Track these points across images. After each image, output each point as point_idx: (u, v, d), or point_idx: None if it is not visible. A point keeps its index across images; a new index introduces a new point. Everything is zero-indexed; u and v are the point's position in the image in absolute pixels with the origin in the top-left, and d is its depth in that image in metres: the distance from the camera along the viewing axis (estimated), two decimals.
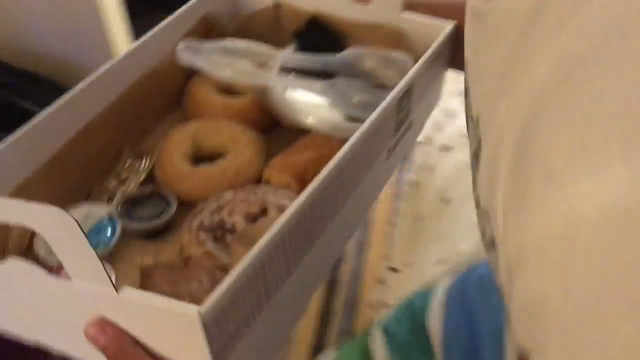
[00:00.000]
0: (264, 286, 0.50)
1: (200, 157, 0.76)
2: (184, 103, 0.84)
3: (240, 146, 0.74)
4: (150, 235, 0.66)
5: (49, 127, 0.64)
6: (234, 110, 0.80)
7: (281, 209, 0.62)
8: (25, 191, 0.63)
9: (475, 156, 0.41)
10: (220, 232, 0.60)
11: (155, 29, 0.77)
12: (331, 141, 0.73)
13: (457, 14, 0.80)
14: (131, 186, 0.71)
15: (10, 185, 0.61)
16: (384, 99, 0.74)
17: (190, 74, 0.84)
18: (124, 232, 0.65)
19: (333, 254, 0.63)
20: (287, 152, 0.72)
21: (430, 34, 0.80)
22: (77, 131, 0.68)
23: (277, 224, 0.50)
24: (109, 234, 0.65)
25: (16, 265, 0.47)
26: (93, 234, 0.64)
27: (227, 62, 0.78)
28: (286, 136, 0.78)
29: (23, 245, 0.63)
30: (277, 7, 0.88)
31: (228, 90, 0.84)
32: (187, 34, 0.82)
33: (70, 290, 0.46)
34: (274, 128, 0.81)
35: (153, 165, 0.74)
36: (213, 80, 0.83)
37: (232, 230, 0.59)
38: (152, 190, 0.70)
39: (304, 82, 0.77)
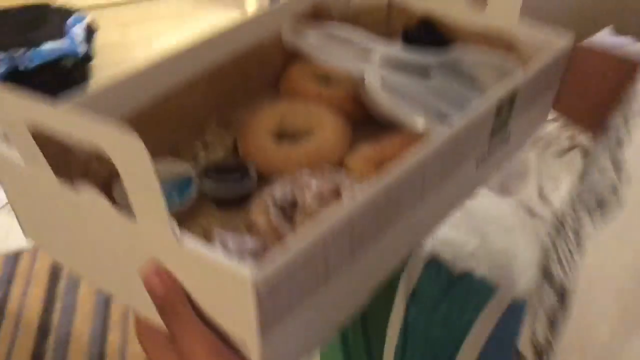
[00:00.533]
0: (324, 266, 0.48)
1: (285, 135, 0.75)
2: (280, 85, 0.84)
3: (326, 128, 0.72)
4: (225, 204, 0.66)
5: (142, 80, 0.65)
6: (327, 99, 0.79)
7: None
8: None
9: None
10: (289, 208, 0.59)
11: (267, 8, 0.77)
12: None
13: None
14: (215, 153, 0.71)
15: None
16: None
17: (292, 57, 0.84)
18: (200, 196, 0.65)
19: (401, 251, 0.60)
20: (376, 144, 0.70)
21: (547, 47, 0.76)
22: (169, 89, 0.69)
23: (348, 205, 0.47)
24: (184, 193, 0.65)
25: (86, 195, 0.47)
26: (169, 188, 0.64)
27: (330, 48, 0.77)
28: (377, 130, 0.76)
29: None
30: (389, 7, 0.86)
31: (326, 79, 0.83)
32: (296, 17, 0.82)
33: (133, 229, 0.46)
34: (365, 121, 0.79)
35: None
36: (313, 67, 0.82)
37: (302, 209, 0.58)
38: (237, 162, 0.70)
39: (402, 78, 0.74)
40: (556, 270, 0.42)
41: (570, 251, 0.40)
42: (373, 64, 0.77)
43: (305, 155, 0.69)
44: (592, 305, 0.38)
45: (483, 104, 0.61)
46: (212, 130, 0.74)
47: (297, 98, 0.79)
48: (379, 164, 0.67)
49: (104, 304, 1.91)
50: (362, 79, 0.75)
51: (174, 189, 0.65)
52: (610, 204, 0.38)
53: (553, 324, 0.40)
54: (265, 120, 0.74)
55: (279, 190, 0.61)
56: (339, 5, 0.88)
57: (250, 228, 0.59)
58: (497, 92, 0.62)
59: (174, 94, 0.69)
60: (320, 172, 0.65)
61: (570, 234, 0.41)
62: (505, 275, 0.81)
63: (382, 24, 0.87)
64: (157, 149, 0.69)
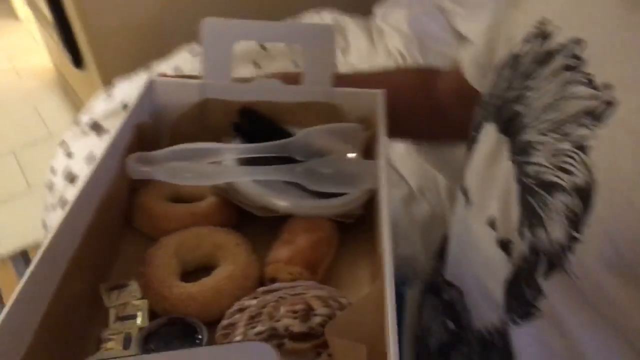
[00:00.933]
0: None
1: (187, 273, 0.72)
2: (137, 218, 0.78)
3: (230, 251, 0.71)
4: None
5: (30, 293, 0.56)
6: (202, 215, 0.77)
7: (324, 300, 0.61)
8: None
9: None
10: (275, 340, 0.57)
11: (99, 156, 0.71)
12: (318, 222, 0.74)
13: (380, 82, 0.87)
14: (141, 320, 0.64)
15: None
16: (352, 168, 0.78)
17: (131, 187, 0.79)
18: None
19: None
20: (279, 244, 0.71)
21: (362, 104, 0.86)
22: (55, 289, 0.60)
23: None
24: None
25: None
26: None
27: (183, 167, 0.75)
28: (254, 227, 0.77)
29: None
30: (203, 104, 0.86)
31: (178, 196, 0.81)
32: (127, 148, 0.77)
33: None
34: (240, 223, 0.80)
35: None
36: (159, 189, 0.79)
37: (291, 335, 0.57)
38: (169, 319, 0.64)
39: (268, 169, 0.76)
40: (560, 177, 0.51)
41: (571, 156, 0.50)
42: (232, 166, 0.77)
43: (233, 285, 0.67)
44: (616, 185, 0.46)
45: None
46: (110, 299, 0.67)
47: (171, 228, 0.75)
48: (302, 260, 0.69)
49: None
50: (229, 184, 0.76)
51: None
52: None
53: (575, 219, 0.49)
54: (162, 267, 0.69)
55: (247, 331, 0.59)
56: (155, 121, 0.86)
57: None
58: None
59: (55, 303, 0.60)
60: (260, 294, 0.64)
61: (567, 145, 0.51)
62: None
63: (201, 123, 0.87)
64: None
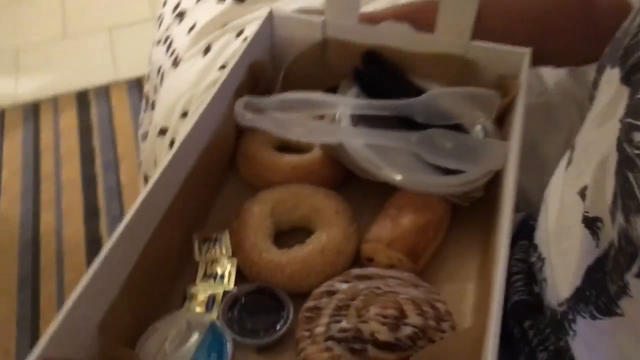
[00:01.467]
0: None
1: (281, 233, 0.68)
2: (241, 165, 0.75)
3: (328, 219, 0.66)
4: (265, 347, 0.59)
5: (121, 248, 0.54)
6: (304, 169, 0.72)
7: (418, 306, 0.55)
8: (114, 318, 0.54)
9: None
10: (358, 344, 0.53)
11: (209, 93, 0.67)
12: (430, 201, 0.66)
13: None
14: (227, 281, 0.62)
15: (98, 317, 0.52)
16: (477, 144, 0.68)
17: (239, 131, 0.75)
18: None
19: None
20: (383, 220, 0.65)
21: (503, 64, 0.74)
22: (147, 242, 0.58)
23: None
24: (216, 351, 0.56)
25: None
26: (198, 355, 0.55)
27: (292, 119, 0.69)
28: (360, 190, 0.71)
29: None
30: (323, 44, 0.78)
31: (285, 145, 0.76)
32: (238, 90, 0.72)
33: None
34: (345, 182, 0.74)
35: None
36: (267, 136, 0.74)
37: (376, 343, 0.52)
38: (258, 287, 0.61)
39: (382, 134, 0.69)
40: None
41: None
42: (344, 124, 0.71)
43: (323, 259, 0.62)
44: None
45: None
46: (201, 253, 0.65)
47: (272, 179, 0.71)
48: (404, 246, 0.62)
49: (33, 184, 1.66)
50: (338, 144, 0.69)
51: (205, 350, 0.56)
52: None
53: None
54: (256, 226, 0.65)
55: (332, 322, 0.55)
56: (270, 59, 0.80)
57: None
58: None
59: (153, 243, 0.59)
60: (355, 280, 0.59)
61: None
62: None
63: (320, 65, 0.79)
64: (160, 307, 0.60)
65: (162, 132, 1.05)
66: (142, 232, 0.58)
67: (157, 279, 0.60)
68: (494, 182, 0.68)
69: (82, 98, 2.04)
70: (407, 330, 0.53)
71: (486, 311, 0.48)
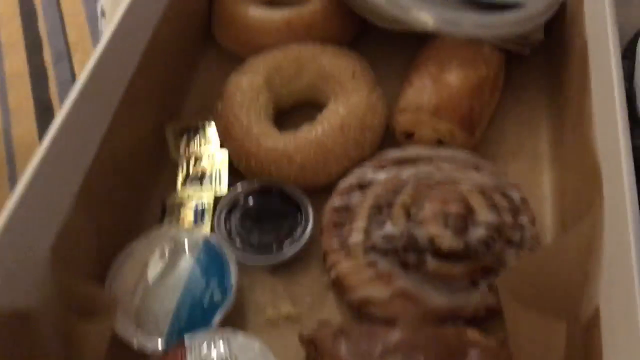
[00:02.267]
0: None
1: (283, 113, 0.51)
2: (219, 30, 0.56)
3: (344, 85, 0.49)
4: (282, 267, 0.44)
5: (70, 141, 0.37)
6: (304, 24, 0.54)
7: (488, 197, 0.40)
8: (71, 239, 0.38)
9: None
10: (413, 254, 0.38)
11: None
12: (480, 51, 0.49)
13: None
14: (218, 182, 0.46)
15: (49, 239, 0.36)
16: None
17: None
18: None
19: None
20: (421, 80, 0.48)
21: None
22: (104, 134, 0.41)
23: None
24: (224, 285, 0.41)
25: None
26: (192, 294, 0.40)
27: None
28: (380, 44, 0.54)
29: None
30: None
31: (271, 0, 0.57)
32: None
33: None
34: (358, 36, 0.56)
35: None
36: None
37: (437, 251, 0.38)
38: (261, 185, 0.46)
39: None
40: None
41: None
42: None
43: (344, 137, 0.46)
44: None
45: None
46: (180, 148, 0.48)
47: (262, 43, 0.53)
48: (455, 115, 0.46)
49: None
50: None
51: (201, 284, 0.41)
52: None
53: None
54: (248, 102, 0.48)
55: (372, 226, 0.40)
56: None
57: (364, 310, 0.38)
58: None
59: (111, 131, 0.42)
60: (392, 166, 0.43)
61: None
62: None
63: None
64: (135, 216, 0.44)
65: None
66: (95, 121, 0.41)
67: (125, 185, 0.44)
68: (558, 18, 0.51)
69: None
70: (478, 232, 0.38)
71: (594, 190, 0.33)
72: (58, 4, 1.53)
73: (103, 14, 0.97)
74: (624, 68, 0.43)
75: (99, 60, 0.41)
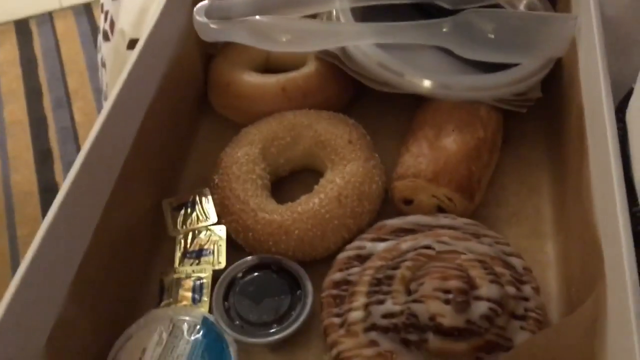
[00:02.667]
0: None
1: (280, 180, 0.51)
2: (214, 98, 0.57)
3: (340, 152, 0.49)
4: (279, 346, 0.43)
5: (62, 231, 0.37)
6: (299, 90, 0.54)
7: (489, 268, 0.39)
8: (66, 329, 0.37)
9: None
10: (414, 333, 0.37)
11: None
12: (476, 113, 0.49)
13: None
14: (216, 258, 0.46)
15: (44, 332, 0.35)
16: (529, 23, 0.50)
17: (206, 53, 0.56)
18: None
19: None
20: (417, 145, 0.48)
21: None
22: (99, 218, 0.41)
23: None
24: (215, 357, 0.40)
25: None
26: None
27: (275, 23, 0.50)
28: (375, 108, 0.54)
29: None
30: None
31: (267, 64, 0.58)
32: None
33: None
34: (353, 101, 0.56)
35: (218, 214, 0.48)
36: (244, 54, 0.56)
37: (439, 329, 0.37)
38: (259, 260, 0.45)
39: (398, 27, 0.50)
40: None
41: None
42: (345, 22, 0.52)
43: (343, 210, 0.45)
44: None
45: None
46: (177, 224, 0.48)
47: (258, 111, 0.53)
48: (454, 180, 0.45)
49: None
50: (340, 50, 0.51)
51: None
52: None
53: None
54: (244, 174, 0.48)
55: (371, 303, 0.39)
56: None
57: None
58: None
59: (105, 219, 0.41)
60: (390, 235, 0.43)
61: None
62: None
63: None
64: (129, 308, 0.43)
65: (133, 44, 0.84)
66: (90, 206, 0.40)
67: (121, 268, 0.44)
68: (554, 75, 0.50)
69: (22, 28, 1.78)
70: (480, 308, 0.37)
71: (596, 268, 0.32)
72: (58, 52, 1.55)
73: (103, 64, 0.98)
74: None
75: (93, 144, 0.41)
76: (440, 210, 0.46)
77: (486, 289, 0.38)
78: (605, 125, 0.36)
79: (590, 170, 0.36)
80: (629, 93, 0.44)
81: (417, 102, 0.51)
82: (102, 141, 0.41)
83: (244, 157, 0.48)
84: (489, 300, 0.37)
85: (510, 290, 0.39)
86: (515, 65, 0.50)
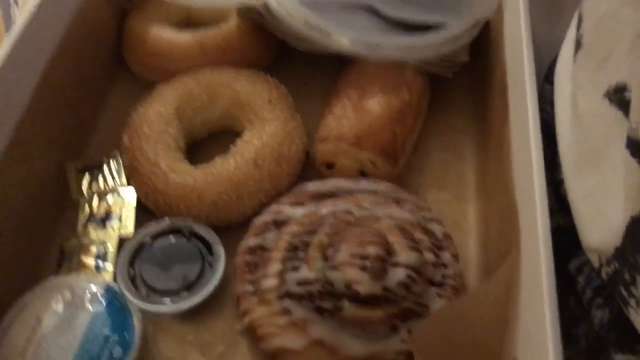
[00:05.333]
0: None
1: (196, 143, 0.48)
2: (128, 55, 0.53)
3: (260, 112, 0.46)
4: (190, 313, 0.40)
5: None
6: (218, 47, 0.50)
7: (408, 234, 0.38)
8: None
9: None
10: (329, 301, 0.35)
11: None
12: (402, 75, 0.47)
13: None
14: (123, 223, 0.42)
15: None
16: None
17: (119, 7, 0.52)
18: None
19: None
20: (341, 107, 0.45)
21: None
22: None
23: None
24: (117, 329, 0.37)
25: None
26: (89, 353, 0.37)
27: None
28: (297, 68, 0.52)
29: None
30: None
31: (187, 20, 0.54)
32: None
33: None
34: (276, 60, 0.53)
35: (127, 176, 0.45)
36: (161, 9, 0.52)
37: (355, 297, 0.35)
38: (169, 225, 0.42)
39: None
40: None
41: None
42: None
43: (258, 171, 0.43)
44: None
45: None
46: (82, 186, 0.44)
47: (173, 69, 0.49)
48: (376, 142, 0.44)
49: None
50: (261, 4, 0.48)
51: (100, 331, 0.37)
52: None
53: None
54: (155, 135, 0.45)
55: (286, 270, 0.37)
56: None
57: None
58: None
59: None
60: (310, 201, 0.41)
61: None
62: None
63: None
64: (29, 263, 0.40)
65: None
66: None
67: (18, 231, 0.40)
68: (481, 41, 0.49)
69: None
70: (398, 274, 0.36)
71: (512, 232, 0.31)
72: None
73: (16, 1, 0.92)
74: (547, 92, 0.42)
75: None
76: (363, 174, 0.44)
77: (404, 255, 0.36)
78: (526, 88, 0.35)
79: (511, 133, 0.35)
80: (554, 60, 0.43)
81: (341, 65, 0.49)
82: None
83: (156, 117, 0.45)
84: (407, 267, 0.36)
85: (429, 256, 0.37)
86: (443, 27, 0.48)
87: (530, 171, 0.30)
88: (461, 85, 0.51)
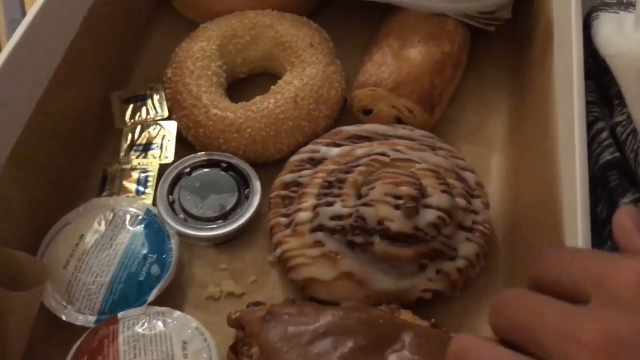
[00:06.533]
0: None
1: (237, 82, 0.49)
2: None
3: (301, 55, 0.47)
4: (223, 238, 0.42)
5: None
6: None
7: (441, 179, 0.38)
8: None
9: None
10: (361, 236, 0.36)
11: None
12: (444, 27, 0.47)
13: None
14: (163, 152, 0.44)
15: None
16: None
17: None
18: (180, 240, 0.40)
19: None
20: (380, 56, 0.46)
21: None
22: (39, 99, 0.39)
23: None
24: (162, 258, 0.39)
25: None
26: (128, 268, 0.38)
27: None
28: (340, 15, 0.52)
29: None
30: None
31: None
32: None
33: None
34: (319, 7, 0.54)
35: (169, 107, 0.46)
36: None
37: (386, 233, 0.36)
38: (208, 157, 0.43)
39: None
40: None
41: None
42: None
43: (297, 114, 0.44)
44: None
45: None
46: (126, 116, 0.46)
47: (217, 10, 0.50)
48: (415, 92, 0.44)
49: None
50: None
51: (139, 252, 0.39)
52: None
53: None
54: (198, 71, 0.46)
55: (320, 205, 0.38)
56: None
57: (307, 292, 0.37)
58: None
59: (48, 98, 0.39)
60: (344, 141, 0.42)
61: None
62: None
63: None
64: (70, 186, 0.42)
65: None
66: (31, 82, 0.38)
67: (63, 154, 0.42)
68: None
69: None
70: (429, 215, 0.37)
71: (550, 183, 0.32)
72: None
73: None
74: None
75: (36, 16, 0.38)
76: (399, 122, 0.45)
77: (437, 198, 0.37)
78: (572, 39, 0.35)
79: (555, 81, 0.35)
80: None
81: (383, 16, 0.49)
82: (44, 18, 0.38)
83: (200, 52, 0.46)
84: (438, 209, 0.37)
85: (461, 202, 0.38)
86: None
87: (572, 122, 0.30)
88: (501, 43, 0.51)
